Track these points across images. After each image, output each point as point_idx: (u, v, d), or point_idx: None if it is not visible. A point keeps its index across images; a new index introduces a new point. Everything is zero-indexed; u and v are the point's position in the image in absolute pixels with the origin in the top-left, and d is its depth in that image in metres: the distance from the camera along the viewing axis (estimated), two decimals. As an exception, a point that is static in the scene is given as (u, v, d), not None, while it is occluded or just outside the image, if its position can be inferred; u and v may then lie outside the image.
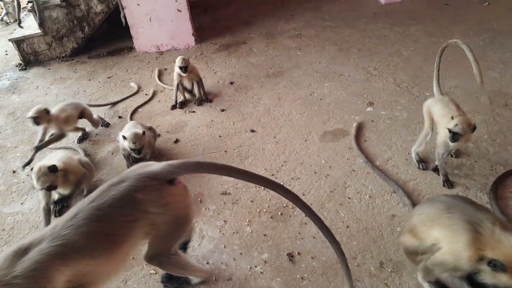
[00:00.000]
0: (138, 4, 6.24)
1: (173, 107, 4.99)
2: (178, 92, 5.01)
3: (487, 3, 6.52)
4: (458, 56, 5.12)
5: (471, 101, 4.32)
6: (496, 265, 2.03)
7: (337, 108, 4.58)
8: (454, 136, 3.06)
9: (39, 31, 6.64)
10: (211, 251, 3.08)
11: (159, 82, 5.61)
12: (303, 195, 3.47)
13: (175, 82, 4.92)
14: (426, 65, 5.08)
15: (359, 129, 4.19)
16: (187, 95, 5.09)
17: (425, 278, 2.51)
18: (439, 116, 3.31)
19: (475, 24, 5.94)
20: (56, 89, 5.92)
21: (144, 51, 6.70)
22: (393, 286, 2.67)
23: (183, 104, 5.01)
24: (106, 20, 6.90)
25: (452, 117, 3.14)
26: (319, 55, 5.78)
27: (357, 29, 6.36)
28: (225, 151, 4.12)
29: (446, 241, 2.25)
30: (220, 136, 4.36)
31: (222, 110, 4.81)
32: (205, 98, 5.01)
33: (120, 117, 5.01)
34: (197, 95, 4.99)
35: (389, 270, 2.77)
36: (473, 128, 3.06)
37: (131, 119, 4.83)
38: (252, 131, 4.38)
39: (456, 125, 3.05)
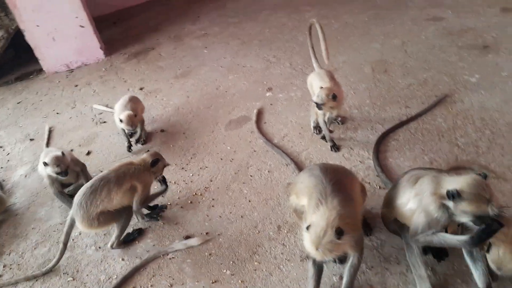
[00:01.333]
0: (38, 25, 6.18)
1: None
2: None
3: (372, -18, 7.11)
4: (345, 34, 5.59)
5: (357, 72, 4.77)
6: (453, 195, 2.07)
7: (240, 97, 4.86)
8: (317, 105, 3.44)
9: None
10: (126, 248, 3.22)
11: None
12: (211, 181, 3.71)
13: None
14: (319, 46, 5.48)
15: (260, 113, 4.50)
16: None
17: None
18: (316, 88, 3.67)
19: (361, 3, 6.48)
20: (-38, 122, 5.74)
21: (53, 71, 6.62)
22: (289, 245, 2.96)
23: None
24: (11, 45, 6.75)
25: (321, 88, 3.51)
26: (224, 51, 6.05)
27: (258, 21, 6.71)
28: (136, 154, 4.27)
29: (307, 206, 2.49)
30: (131, 141, 4.50)
31: (133, 116, 4.93)
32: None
33: (32, 139, 4.98)
34: None
35: (285, 232, 3.07)
36: (333, 97, 3.42)
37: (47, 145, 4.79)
38: (162, 131, 4.55)
39: (317, 96, 3.42)
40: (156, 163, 3.23)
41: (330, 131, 3.88)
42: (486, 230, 2.02)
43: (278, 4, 7.20)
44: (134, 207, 3.19)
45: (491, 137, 3.43)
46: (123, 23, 8.03)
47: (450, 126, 3.66)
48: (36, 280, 3.08)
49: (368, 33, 5.52)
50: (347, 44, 5.39)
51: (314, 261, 2.36)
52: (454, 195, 2.07)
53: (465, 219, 2.14)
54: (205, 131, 4.42)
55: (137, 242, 3.25)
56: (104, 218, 3.02)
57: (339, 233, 2.10)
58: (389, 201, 2.64)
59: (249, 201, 3.42)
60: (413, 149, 3.52)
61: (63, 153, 3.60)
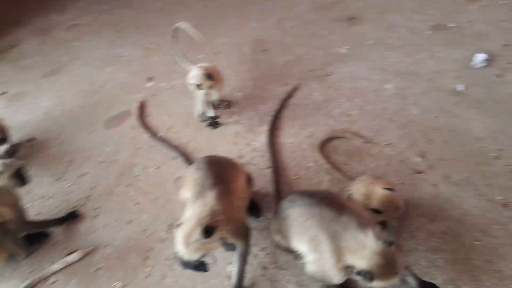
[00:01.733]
0: None
1: None
2: None
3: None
4: (223, 15, 5.51)
5: (237, 53, 4.73)
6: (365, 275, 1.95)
7: (119, 91, 4.54)
8: (197, 86, 3.44)
9: None
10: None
11: None
12: (92, 188, 3.43)
13: None
14: (198, 29, 5.31)
15: (142, 106, 4.25)
16: None
17: None
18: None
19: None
20: None
21: None
22: (182, 242, 2.87)
23: None
24: None
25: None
26: (98, 42, 5.58)
27: (133, 7, 6.30)
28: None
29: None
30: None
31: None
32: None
33: None
34: None
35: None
36: (209, 76, 3.43)
37: None
38: (31, 140, 4.07)
39: (193, 76, 3.41)
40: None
41: (216, 117, 3.83)
42: None
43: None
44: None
45: (361, 104, 3.66)
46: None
47: (326, 98, 3.82)
48: None
49: (245, 12, 5.50)
50: (226, 24, 5.31)
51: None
52: (366, 277, 1.93)
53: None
54: (82, 134, 4.05)
55: (12, 271, 2.89)
56: None
57: (207, 231, 2.06)
58: (281, 232, 2.43)
59: (137, 203, 3.23)
60: (293, 125, 3.62)
61: None
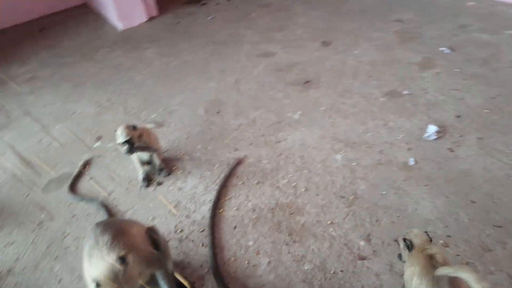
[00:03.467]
0: None
1: None
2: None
3: (211, 17, 7.20)
4: (184, 73, 5.48)
5: (191, 114, 4.63)
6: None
7: (66, 150, 4.34)
8: (125, 143, 3.34)
9: None
10: None
11: None
12: (17, 260, 3.15)
13: None
14: (156, 87, 5.28)
15: (87, 166, 4.05)
16: None
17: None
18: None
19: (201, 38, 6.47)
20: None
21: None
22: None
23: None
24: None
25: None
26: (54, 96, 5.44)
27: (95, 61, 6.24)
28: None
29: None
30: None
31: None
32: None
33: None
34: None
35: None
36: (132, 126, 3.38)
37: None
38: (-38, 203, 3.79)
39: (119, 134, 3.33)
40: None
41: (159, 183, 3.67)
42: None
43: (116, 41, 6.81)
44: None
45: (308, 175, 3.54)
46: None
47: (274, 167, 3.70)
48: None
49: (206, 71, 5.48)
50: (185, 83, 5.26)
51: None
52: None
53: None
54: (18, 196, 3.81)
55: None
56: None
57: (122, 258, 2.13)
58: None
59: (59, 281, 2.95)
60: (238, 195, 3.46)
61: None
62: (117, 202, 3.59)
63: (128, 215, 3.43)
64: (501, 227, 2.88)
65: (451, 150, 3.61)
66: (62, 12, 8.60)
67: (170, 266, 2.53)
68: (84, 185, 3.85)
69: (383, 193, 3.29)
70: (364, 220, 3.09)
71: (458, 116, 3.97)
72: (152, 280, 2.43)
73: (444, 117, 3.99)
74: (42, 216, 3.56)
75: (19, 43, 7.31)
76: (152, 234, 2.56)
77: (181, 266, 2.93)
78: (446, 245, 2.81)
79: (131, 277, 2.19)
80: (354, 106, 4.35)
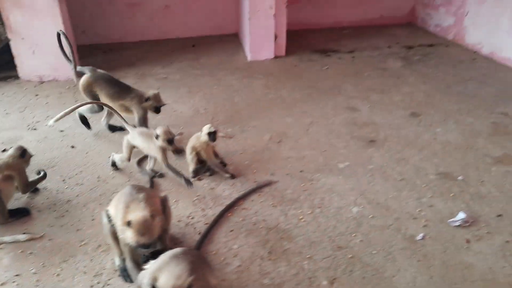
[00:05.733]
0: (23, 38, 7.11)
1: None
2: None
3: (326, 67, 7.81)
4: (272, 104, 6.16)
5: (257, 137, 5.25)
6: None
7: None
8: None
9: None
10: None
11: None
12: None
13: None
14: (245, 109, 6.10)
15: (159, 151, 5.01)
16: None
17: None
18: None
19: (305, 82, 7.12)
20: None
21: (27, 80, 7.45)
22: None
23: None
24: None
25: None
26: (170, 95, 6.65)
27: (215, 78, 7.41)
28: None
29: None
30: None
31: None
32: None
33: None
34: None
35: None
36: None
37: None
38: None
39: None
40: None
41: (200, 179, 4.39)
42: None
43: (239, 68, 7.91)
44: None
45: (317, 215, 3.80)
46: (110, 54, 8.94)
47: (294, 198, 4.05)
48: None
49: (291, 108, 6.08)
50: (268, 113, 5.94)
51: None
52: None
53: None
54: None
55: (-16, 229, 3.68)
56: None
57: (152, 216, 2.87)
58: None
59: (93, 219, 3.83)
60: (249, 209, 3.91)
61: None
62: (163, 181, 4.39)
63: (163, 194, 4.17)
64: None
65: (468, 241, 3.43)
66: (217, 36, 10.24)
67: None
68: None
69: (373, 252, 3.36)
70: (340, 266, 3.22)
71: (499, 216, 3.70)
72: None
73: (484, 212, 3.77)
74: (110, 173, 4.58)
75: (173, 52, 9.08)
76: (164, 203, 3.29)
77: (175, 241, 3.52)
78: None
79: (153, 230, 2.91)
80: (401, 174, 4.39)
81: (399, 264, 3.23)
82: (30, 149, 4.39)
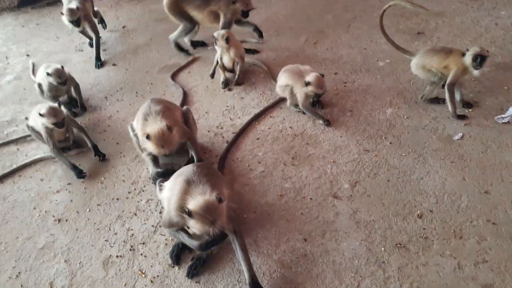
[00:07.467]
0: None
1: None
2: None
3: None
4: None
5: (293, 39, 4.96)
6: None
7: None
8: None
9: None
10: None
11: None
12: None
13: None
14: (285, 8, 5.69)
15: (193, 62, 4.98)
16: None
17: None
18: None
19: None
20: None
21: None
22: (134, 171, 3.59)
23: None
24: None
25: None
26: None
27: None
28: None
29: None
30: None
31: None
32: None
33: (28, 55, 5.95)
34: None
35: (137, 161, 3.68)
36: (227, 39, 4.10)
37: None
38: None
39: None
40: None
41: (230, 90, 4.34)
42: (212, 242, 2.49)
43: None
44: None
45: (348, 117, 3.62)
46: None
47: (328, 100, 3.87)
48: None
49: (331, 4, 5.56)
50: (306, 11, 5.50)
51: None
52: (187, 213, 2.36)
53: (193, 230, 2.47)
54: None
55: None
56: None
57: (169, 128, 2.96)
58: None
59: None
60: (277, 117, 3.84)
61: (62, 67, 4.26)
62: (195, 94, 4.42)
63: (195, 105, 4.23)
64: (494, 224, 2.54)
65: (515, 139, 3.08)
66: None
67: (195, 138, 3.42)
68: (183, 75, 4.80)
69: (403, 154, 3.18)
70: (364, 169, 3.13)
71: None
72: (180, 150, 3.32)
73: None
74: (148, 87, 4.70)
75: None
76: (186, 115, 3.35)
77: (204, 149, 3.63)
78: (420, 216, 2.68)
79: (171, 141, 3.01)
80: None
81: (429, 166, 3.04)
82: (77, 69, 4.59)
